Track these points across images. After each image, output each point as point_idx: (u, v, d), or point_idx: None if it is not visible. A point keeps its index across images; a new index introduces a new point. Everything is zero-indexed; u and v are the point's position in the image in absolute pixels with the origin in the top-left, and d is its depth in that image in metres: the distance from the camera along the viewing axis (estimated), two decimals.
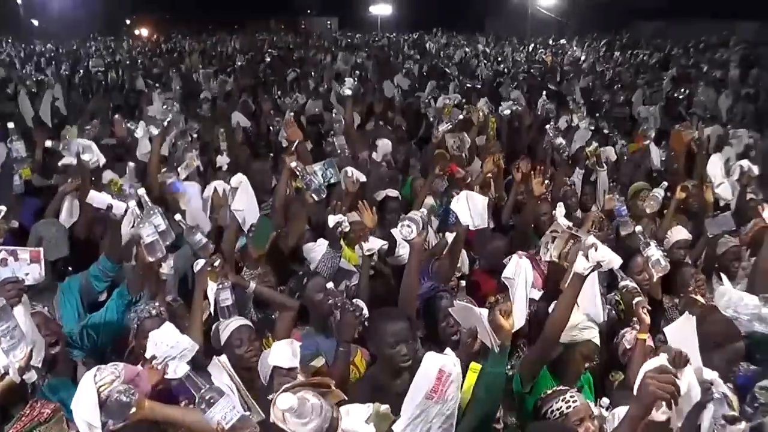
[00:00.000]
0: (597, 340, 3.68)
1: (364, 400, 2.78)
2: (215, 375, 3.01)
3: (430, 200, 6.05)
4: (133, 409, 2.54)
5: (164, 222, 3.88)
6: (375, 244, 4.62)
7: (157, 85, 12.32)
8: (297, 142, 5.94)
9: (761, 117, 11.28)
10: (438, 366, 2.77)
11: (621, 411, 3.08)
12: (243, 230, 4.73)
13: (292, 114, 7.26)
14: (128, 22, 43.18)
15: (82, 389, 2.52)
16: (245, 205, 4.66)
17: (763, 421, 3.04)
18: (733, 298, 3.88)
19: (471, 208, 4.58)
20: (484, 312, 3.43)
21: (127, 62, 19.29)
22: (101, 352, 3.88)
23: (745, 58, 21.12)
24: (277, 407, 2.29)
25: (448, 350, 2.95)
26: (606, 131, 8.98)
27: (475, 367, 3.26)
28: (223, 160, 6.57)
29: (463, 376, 3.05)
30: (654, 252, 4.15)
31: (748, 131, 8.83)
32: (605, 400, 3.48)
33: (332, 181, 5.78)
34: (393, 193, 6.09)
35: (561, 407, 3.20)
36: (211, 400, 2.58)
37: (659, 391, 2.45)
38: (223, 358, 3.18)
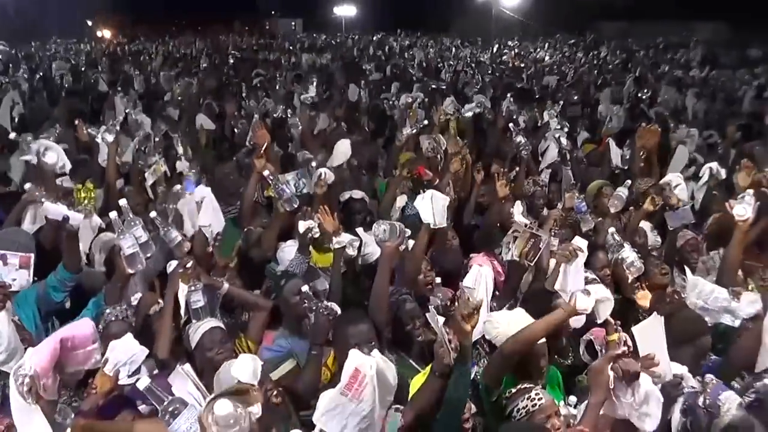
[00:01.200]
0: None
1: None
2: (178, 384, 2.97)
3: (402, 199, 6.08)
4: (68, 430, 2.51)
5: (145, 234, 3.90)
6: (345, 238, 4.60)
7: (120, 88, 12.11)
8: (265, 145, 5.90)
9: (721, 116, 11.47)
10: (355, 364, 2.78)
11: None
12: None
13: (257, 116, 7.20)
14: (89, 23, 42.50)
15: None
16: (211, 219, 4.61)
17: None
18: (704, 291, 3.94)
19: (434, 207, 4.58)
20: (440, 320, 3.44)
21: (92, 65, 18.97)
22: None
23: (705, 57, 21.55)
24: (214, 413, 2.31)
25: (375, 352, 2.93)
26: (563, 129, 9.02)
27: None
28: (182, 165, 6.49)
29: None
30: (629, 254, 4.21)
31: (710, 131, 8.99)
32: (572, 399, 3.51)
33: (304, 191, 5.71)
34: (357, 194, 6.08)
35: (526, 405, 3.20)
36: (175, 412, 2.56)
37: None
38: (187, 366, 3.14)
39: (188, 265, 3.83)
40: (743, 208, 4.39)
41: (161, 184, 6.01)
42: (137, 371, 3.11)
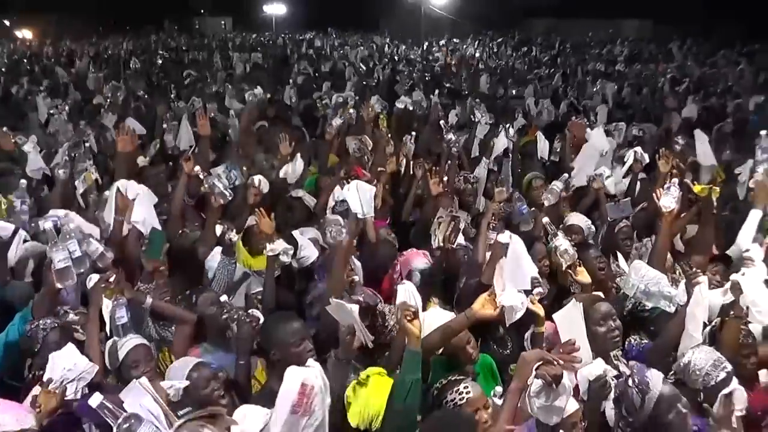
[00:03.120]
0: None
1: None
2: (131, 399, 2.90)
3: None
4: None
5: (80, 249, 3.77)
6: (279, 245, 4.57)
7: (41, 89, 11.74)
8: (193, 146, 5.83)
9: (646, 109, 11.86)
10: (299, 380, 2.75)
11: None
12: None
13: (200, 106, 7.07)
14: (8, 23, 40.89)
15: None
16: (144, 216, 4.53)
17: None
18: (648, 275, 4.08)
19: (360, 197, 4.60)
20: (354, 308, 3.47)
21: (11, 67, 18.33)
22: None
23: (632, 53, 22.22)
24: None
25: (311, 361, 2.93)
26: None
27: (373, 371, 3.28)
28: None
29: (344, 376, 3.07)
30: (562, 242, 4.28)
31: (635, 123, 9.27)
32: (498, 389, 3.57)
33: (236, 183, 5.67)
34: (297, 193, 6.08)
35: (455, 398, 3.24)
36: (132, 428, 2.50)
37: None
38: (144, 380, 3.05)
39: (111, 279, 3.72)
40: (669, 200, 4.55)
41: (92, 193, 5.84)
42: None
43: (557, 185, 5.61)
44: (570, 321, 3.30)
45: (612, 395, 3.37)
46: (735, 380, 3.34)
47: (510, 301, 3.45)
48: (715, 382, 3.32)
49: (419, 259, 4.80)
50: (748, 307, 3.69)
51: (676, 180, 4.72)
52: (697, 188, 5.17)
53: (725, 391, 3.28)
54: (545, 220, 4.55)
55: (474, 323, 3.54)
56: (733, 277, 3.81)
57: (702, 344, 3.63)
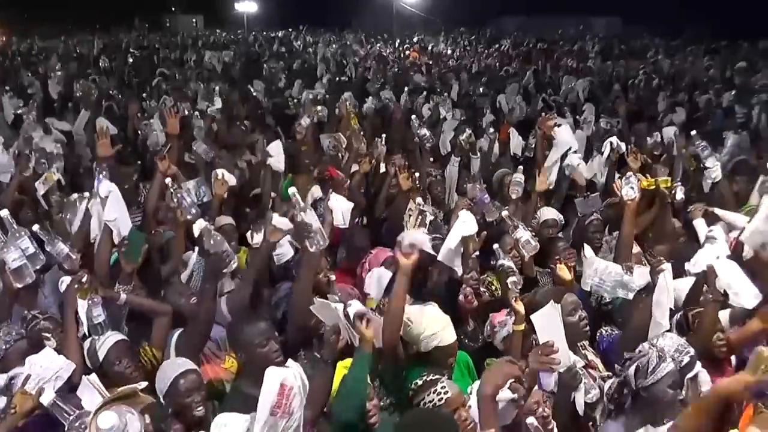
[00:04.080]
0: (453, 337, 3.70)
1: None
2: (87, 397, 2.88)
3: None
4: None
5: (32, 245, 3.69)
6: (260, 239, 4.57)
7: (7, 88, 11.55)
8: (169, 145, 5.80)
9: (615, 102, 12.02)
10: (279, 380, 2.73)
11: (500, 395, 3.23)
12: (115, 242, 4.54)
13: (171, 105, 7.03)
14: None
15: None
16: (117, 215, 4.50)
17: None
18: (599, 269, 4.14)
19: (342, 209, 4.77)
20: (340, 307, 3.49)
21: None
22: None
23: (603, 49, 22.47)
24: (98, 426, 2.28)
25: (290, 362, 2.90)
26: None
27: (345, 363, 3.30)
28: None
29: (331, 377, 3.08)
30: (522, 233, 4.34)
31: (604, 117, 9.39)
32: (475, 387, 3.61)
33: (204, 199, 5.56)
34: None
35: (433, 399, 3.23)
36: (82, 426, 2.47)
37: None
38: (93, 377, 3.04)
39: (83, 279, 3.68)
40: (630, 189, 4.72)
41: (54, 194, 5.77)
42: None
43: (519, 177, 5.68)
44: (548, 322, 3.34)
45: (582, 385, 3.45)
46: (698, 364, 3.46)
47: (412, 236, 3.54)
48: (679, 367, 3.37)
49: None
50: (725, 291, 3.78)
51: (630, 173, 4.91)
52: (644, 183, 5.26)
53: (690, 374, 3.39)
54: (504, 213, 4.60)
55: (410, 276, 3.55)
56: (708, 263, 3.90)
57: (668, 332, 3.72)
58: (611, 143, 6.67)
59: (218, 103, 9.96)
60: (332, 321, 3.46)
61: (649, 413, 3.22)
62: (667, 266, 3.95)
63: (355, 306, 3.31)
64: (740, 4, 27.52)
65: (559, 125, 7.02)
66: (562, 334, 3.32)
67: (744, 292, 3.75)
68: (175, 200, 4.63)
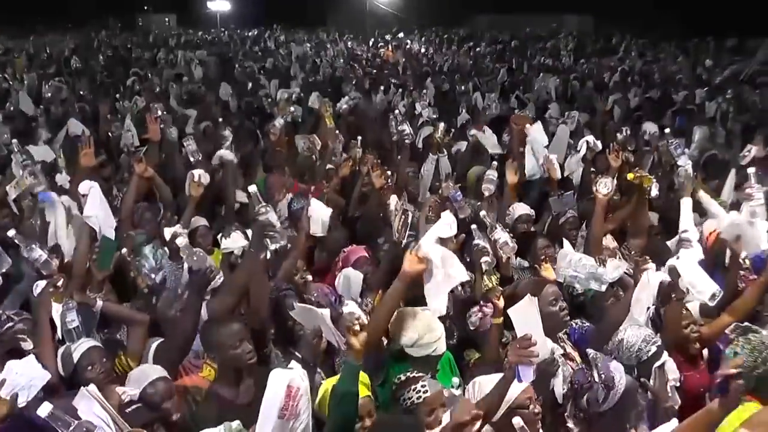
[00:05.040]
0: (444, 347, 3.73)
1: (211, 421, 2.81)
2: (84, 407, 2.85)
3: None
4: None
5: None
6: (232, 243, 4.54)
7: None
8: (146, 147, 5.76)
9: (589, 99, 12.16)
10: (285, 382, 2.73)
11: (482, 380, 3.27)
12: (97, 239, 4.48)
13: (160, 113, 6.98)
14: None
15: None
16: (97, 211, 4.43)
17: None
18: (573, 260, 4.19)
19: (321, 216, 4.78)
20: (325, 312, 3.48)
21: None
22: None
23: (576, 47, 22.66)
24: None
25: (293, 363, 2.91)
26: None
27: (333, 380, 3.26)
28: (62, 179, 6.23)
29: (311, 380, 3.07)
30: (500, 235, 4.36)
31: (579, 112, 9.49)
32: (455, 380, 3.63)
33: (163, 261, 5.00)
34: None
35: (412, 397, 3.27)
36: None
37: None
38: (92, 387, 3.01)
39: (59, 283, 3.65)
40: (604, 185, 4.93)
41: (26, 198, 5.69)
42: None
43: (492, 174, 5.72)
44: (525, 316, 3.37)
45: (560, 373, 3.51)
46: (665, 353, 3.55)
47: (429, 246, 3.51)
48: (647, 357, 3.53)
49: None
50: (687, 289, 3.84)
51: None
52: (630, 175, 5.34)
53: (657, 363, 3.49)
54: (482, 213, 4.64)
55: (408, 284, 3.54)
56: (670, 262, 3.97)
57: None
58: (587, 142, 6.73)
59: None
60: (313, 325, 3.47)
61: (619, 426, 3.30)
62: (651, 266, 4.02)
63: (350, 307, 3.24)
64: (708, 3, 27.92)
65: (532, 123, 7.08)
66: (540, 327, 3.36)
67: (705, 289, 3.81)
68: (134, 268, 4.58)
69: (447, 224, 3.75)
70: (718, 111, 10.56)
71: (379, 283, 4.48)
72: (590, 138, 6.79)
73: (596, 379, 3.26)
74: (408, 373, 3.39)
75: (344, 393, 2.90)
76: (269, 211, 4.14)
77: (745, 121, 9.66)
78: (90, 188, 4.46)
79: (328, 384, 3.29)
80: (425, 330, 3.60)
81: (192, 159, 6.08)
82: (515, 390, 3.12)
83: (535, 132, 6.78)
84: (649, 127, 7.95)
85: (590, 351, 3.51)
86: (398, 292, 3.55)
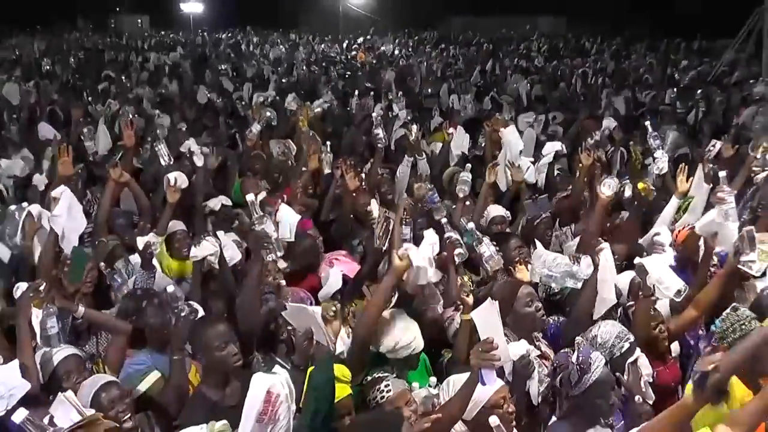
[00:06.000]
0: (422, 344, 3.83)
1: (197, 421, 2.83)
2: (60, 413, 2.84)
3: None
4: None
5: None
6: (201, 251, 4.53)
7: None
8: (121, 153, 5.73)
9: (562, 100, 12.28)
10: (265, 388, 2.74)
11: (455, 378, 3.30)
12: (60, 245, 4.46)
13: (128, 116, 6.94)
14: None
15: None
16: (64, 215, 4.40)
17: None
18: (547, 260, 4.24)
19: (290, 222, 4.85)
20: (317, 309, 3.51)
21: None
22: None
23: (549, 49, 22.84)
24: None
25: (277, 368, 2.94)
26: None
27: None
28: (40, 180, 6.18)
29: (305, 381, 3.09)
30: (486, 249, 4.39)
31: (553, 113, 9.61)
32: (433, 380, 3.68)
33: (134, 275, 4.98)
34: (227, 201, 6.08)
35: (376, 396, 3.36)
36: None
37: None
38: (70, 393, 3.00)
39: (41, 287, 3.59)
40: (608, 186, 5.00)
41: None
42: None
43: (466, 176, 5.76)
44: (487, 319, 3.42)
45: (536, 374, 3.58)
46: (638, 349, 3.63)
47: (418, 260, 3.58)
48: (620, 353, 3.59)
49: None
50: (654, 286, 3.91)
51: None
52: (641, 185, 5.40)
53: (630, 359, 3.56)
54: (470, 225, 4.65)
55: (397, 279, 3.63)
56: (637, 260, 4.04)
57: (608, 319, 3.91)
58: (555, 147, 6.84)
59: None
60: (304, 326, 3.48)
61: (590, 414, 3.33)
62: (605, 245, 4.15)
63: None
64: (678, 4, 28.36)
65: (507, 125, 7.15)
66: (501, 330, 3.41)
67: (671, 285, 3.88)
68: (108, 282, 4.57)
69: (430, 245, 3.79)
70: (689, 112, 10.72)
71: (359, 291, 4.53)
72: (558, 144, 6.89)
73: (573, 361, 3.30)
74: (374, 374, 3.46)
75: (318, 379, 2.99)
76: (266, 222, 4.16)
77: (714, 121, 9.83)
78: (62, 193, 4.44)
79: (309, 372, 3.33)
80: (401, 333, 3.68)
81: (163, 162, 6.07)
82: (489, 390, 3.15)
83: (509, 135, 6.86)
84: (609, 123, 8.06)
85: (578, 338, 3.55)
86: (389, 287, 3.64)
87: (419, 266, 3.64)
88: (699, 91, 11.75)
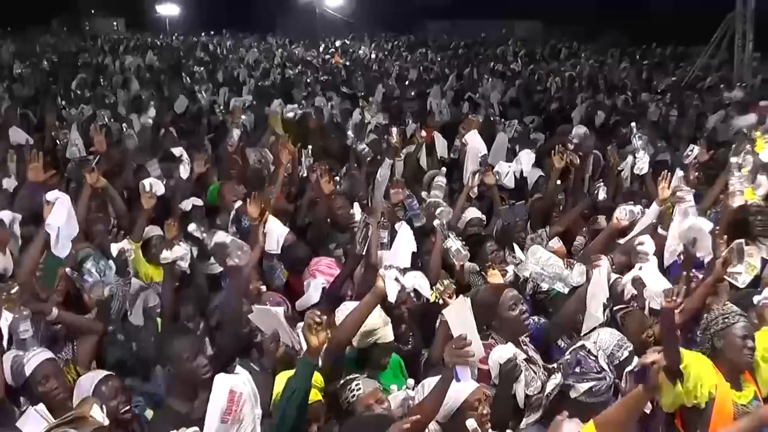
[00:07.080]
0: (391, 336, 3.87)
1: None
2: (29, 427, 2.80)
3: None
4: None
5: None
6: (172, 254, 4.50)
7: None
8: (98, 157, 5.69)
9: (536, 106, 12.39)
10: (228, 387, 2.75)
11: (429, 381, 3.31)
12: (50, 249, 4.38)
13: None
14: None
15: None
16: (60, 222, 4.30)
17: None
18: (542, 258, 4.29)
19: (277, 233, 4.88)
20: (279, 310, 3.50)
21: None
22: None
23: (526, 53, 23.00)
24: None
25: (238, 368, 2.94)
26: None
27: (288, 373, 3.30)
28: (10, 183, 6.11)
29: (269, 386, 3.09)
30: (453, 243, 4.43)
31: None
32: (410, 381, 3.70)
33: (108, 272, 4.85)
34: (198, 202, 6.04)
35: (348, 397, 3.38)
36: None
37: None
38: (41, 407, 2.97)
39: (13, 290, 3.58)
40: (623, 213, 5.00)
41: None
42: None
43: (441, 180, 5.79)
44: (459, 316, 3.43)
45: (522, 378, 3.60)
46: (636, 358, 3.58)
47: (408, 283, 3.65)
48: (619, 361, 3.60)
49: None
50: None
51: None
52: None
53: (629, 368, 3.54)
54: (436, 222, 4.69)
55: (379, 300, 3.64)
56: (634, 273, 4.10)
57: (604, 325, 3.93)
58: (531, 159, 6.92)
59: (151, 112, 9.71)
60: (271, 328, 3.47)
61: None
62: (604, 262, 4.11)
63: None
64: (653, 11, 28.72)
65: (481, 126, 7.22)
66: (474, 327, 3.42)
67: None
68: (79, 285, 4.50)
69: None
70: (660, 116, 10.87)
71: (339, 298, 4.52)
72: (530, 151, 6.97)
73: (594, 368, 3.41)
74: (345, 376, 3.49)
75: (297, 388, 2.98)
76: (216, 233, 4.17)
77: (689, 126, 9.96)
78: (57, 198, 4.37)
79: (283, 377, 3.33)
80: (369, 318, 3.69)
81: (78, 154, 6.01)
82: (464, 391, 3.18)
83: (471, 140, 6.92)
84: (578, 130, 8.15)
85: (587, 344, 3.60)
86: (371, 306, 3.63)
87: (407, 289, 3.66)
88: (669, 95, 11.91)
